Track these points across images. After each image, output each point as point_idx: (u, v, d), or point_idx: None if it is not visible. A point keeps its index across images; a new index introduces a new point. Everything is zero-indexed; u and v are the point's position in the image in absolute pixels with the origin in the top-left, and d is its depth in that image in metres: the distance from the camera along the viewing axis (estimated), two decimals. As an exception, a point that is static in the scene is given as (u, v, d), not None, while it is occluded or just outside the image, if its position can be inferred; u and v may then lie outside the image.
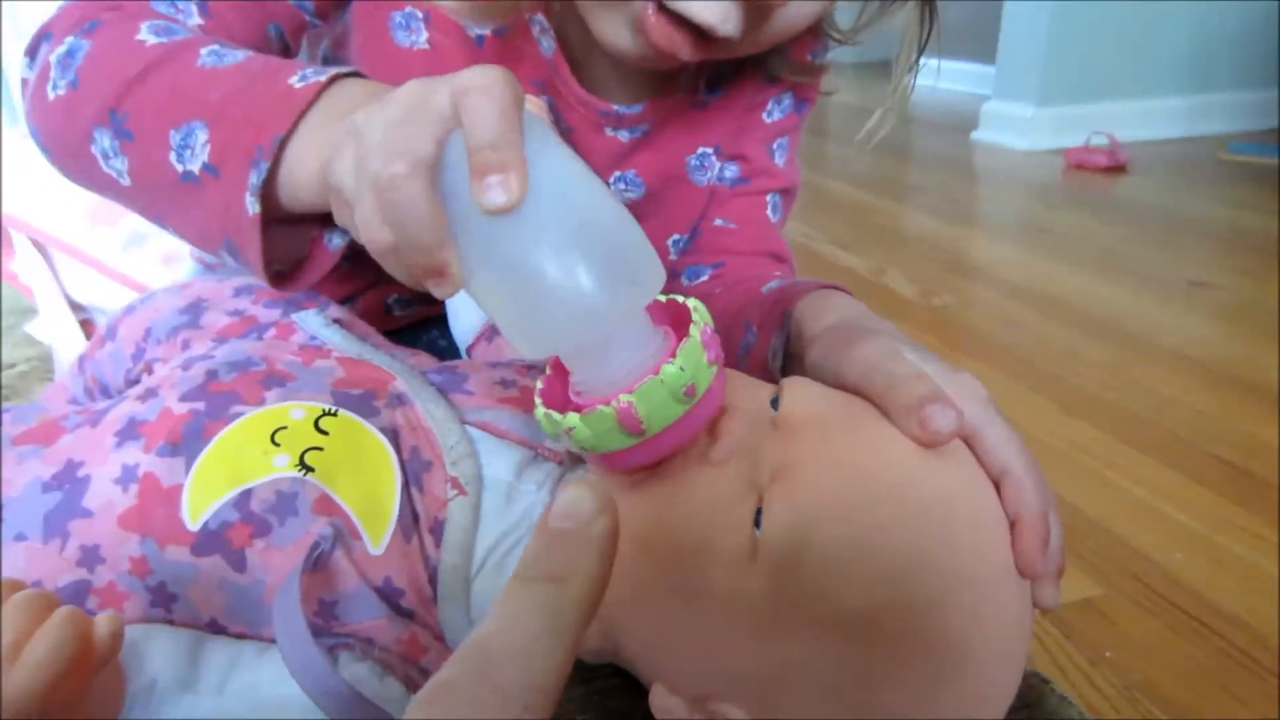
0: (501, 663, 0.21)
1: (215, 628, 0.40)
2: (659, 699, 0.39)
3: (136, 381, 0.52)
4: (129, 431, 0.43)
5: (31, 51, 0.52)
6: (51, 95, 0.49)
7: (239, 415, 0.43)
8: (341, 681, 0.36)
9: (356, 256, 0.68)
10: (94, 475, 0.41)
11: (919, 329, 1.84)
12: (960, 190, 2.97)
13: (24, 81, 0.52)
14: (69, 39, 0.49)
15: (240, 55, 0.47)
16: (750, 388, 0.43)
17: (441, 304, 0.68)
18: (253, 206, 0.43)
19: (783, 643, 0.36)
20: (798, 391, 0.41)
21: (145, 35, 0.48)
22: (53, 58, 0.49)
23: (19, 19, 0.84)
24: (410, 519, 0.42)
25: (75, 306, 0.79)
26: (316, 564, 0.39)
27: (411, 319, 0.68)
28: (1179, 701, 1.01)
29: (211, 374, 0.45)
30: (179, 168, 0.46)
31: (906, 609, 0.35)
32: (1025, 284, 2.17)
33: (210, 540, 0.40)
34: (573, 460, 0.47)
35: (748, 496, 0.37)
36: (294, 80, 0.44)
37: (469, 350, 0.60)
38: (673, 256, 0.74)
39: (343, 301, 0.63)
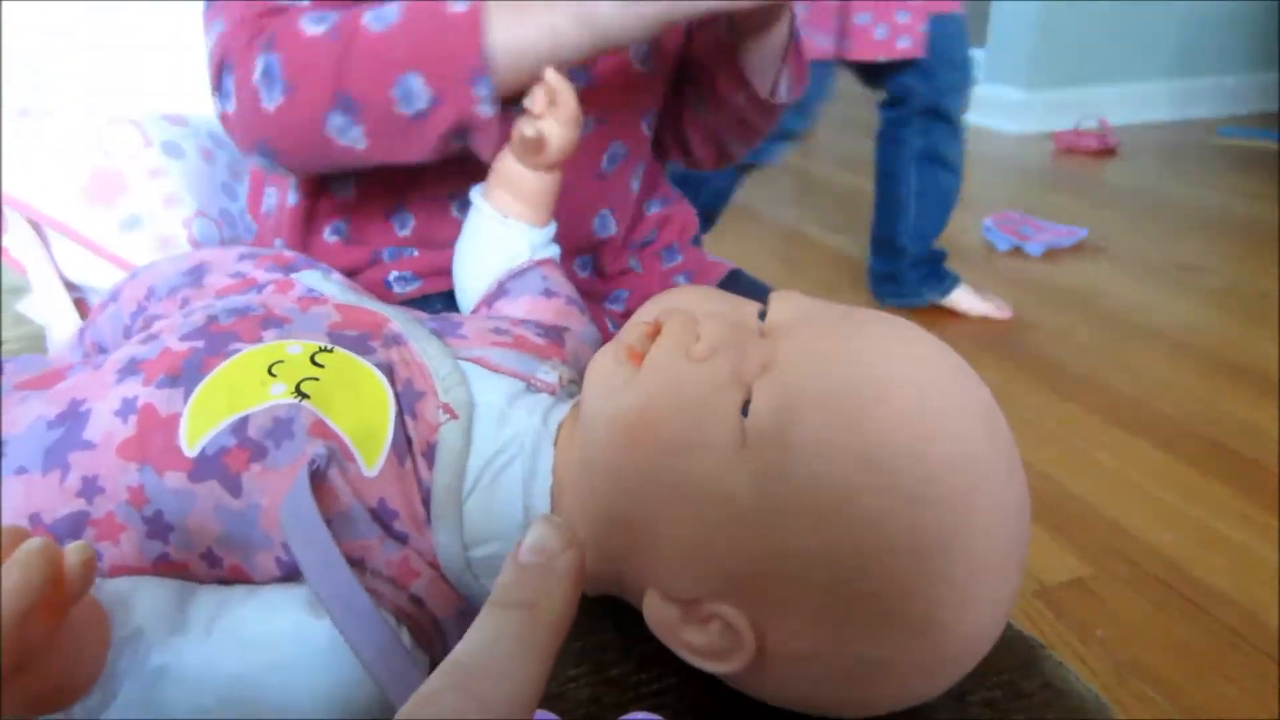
0: (480, 678, 0.23)
1: (210, 559, 0.41)
2: (653, 607, 0.39)
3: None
4: (129, 369, 0.44)
5: (218, 86, 0.60)
6: (270, 108, 0.57)
7: (237, 351, 0.44)
8: (362, 592, 0.37)
9: (356, 230, 0.71)
10: (94, 409, 0.42)
11: (910, 313, 1.85)
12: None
13: (224, 115, 0.61)
14: (257, 60, 0.57)
15: (391, 11, 0.56)
16: (733, 300, 0.45)
17: (439, 279, 0.68)
18: (488, 112, 0.55)
19: (773, 534, 0.36)
20: (784, 299, 0.43)
21: (311, 29, 0.57)
22: (254, 80, 0.57)
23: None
24: (404, 443, 0.43)
25: (69, 286, 0.79)
26: (311, 484, 0.40)
27: (411, 295, 0.69)
28: (1170, 680, 1.03)
29: (212, 318, 0.47)
30: (408, 112, 0.56)
31: (893, 493, 0.35)
32: (1015, 267, 2.18)
33: (207, 466, 0.40)
34: (564, 393, 0.48)
35: (733, 389, 0.38)
36: (456, 7, 0.55)
37: (472, 314, 0.61)
38: None
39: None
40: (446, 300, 0.68)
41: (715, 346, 0.40)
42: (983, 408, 0.39)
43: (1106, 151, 3.17)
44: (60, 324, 0.77)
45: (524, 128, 0.55)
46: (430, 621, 0.42)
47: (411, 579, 0.42)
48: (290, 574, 0.41)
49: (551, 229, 0.61)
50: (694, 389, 0.39)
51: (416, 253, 0.70)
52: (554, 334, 0.53)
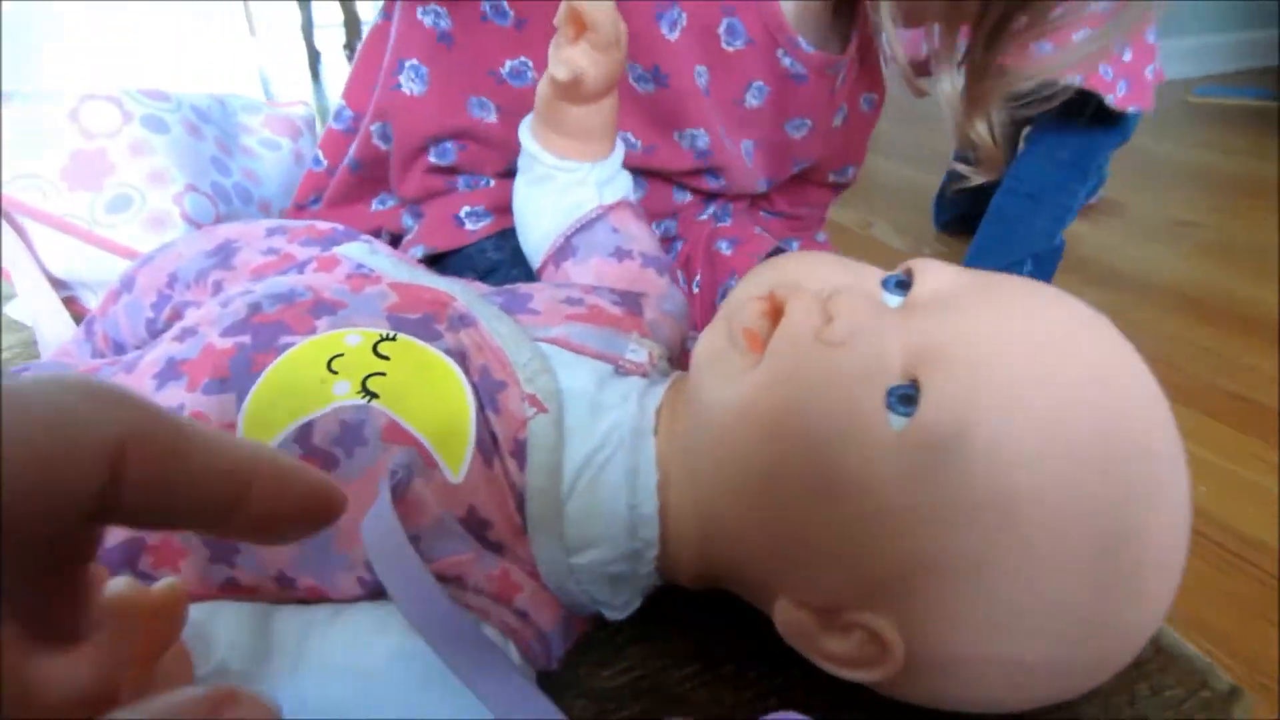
0: None
1: (283, 581, 0.36)
2: (785, 614, 0.36)
3: (162, 330, 0.48)
4: (169, 372, 0.38)
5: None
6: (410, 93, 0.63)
7: (289, 345, 0.39)
8: (462, 614, 0.32)
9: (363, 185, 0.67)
10: None
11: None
12: (939, 140, 2.94)
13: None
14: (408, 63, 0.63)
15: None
16: (855, 269, 0.40)
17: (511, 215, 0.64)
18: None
19: (929, 538, 0.32)
20: (930, 269, 0.38)
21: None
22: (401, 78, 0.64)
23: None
24: (489, 442, 0.38)
25: (55, 283, 0.72)
26: (393, 496, 0.35)
27: (483, 233, 0.65)
28: (1226, 633, 1.00)
29: (254, 307, 0.41)
30: (520, 86, 0.62)
31: (1077, 494, 0.31)
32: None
33: None
34: (656, 373, 0.43)
35: (879, 377, 0.33)
36: None
37: (539, 273, 0.56)
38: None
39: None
40: (516, 239, 0.62)
41: (853, 329, 0.34)
42: (1160, 399, 0.35)
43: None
44: (50, 325, 0.70)
45: (554, 70, 0.49)
46: (535, 634, 0.37)
47: (514, 593, 0.37)
48: (376, 592, 0.36)
49: (618, 156, 0.55)
50: (835, 379, 0.33)
51: (493, 183, 0.65)
52: (630, 302, 0.47)
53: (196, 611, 0.34)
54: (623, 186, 0.56)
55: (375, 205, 0.70)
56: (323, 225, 0.52)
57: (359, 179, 0.69)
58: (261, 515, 0.21)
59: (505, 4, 0.61)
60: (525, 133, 0.54)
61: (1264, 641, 0.99)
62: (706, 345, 0.38)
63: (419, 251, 0.65)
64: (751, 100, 0.68)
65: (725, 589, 0.41)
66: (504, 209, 0.64)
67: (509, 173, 0.65)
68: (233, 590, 0.36)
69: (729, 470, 0.35)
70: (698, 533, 0.39)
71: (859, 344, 0.34)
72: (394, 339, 0.40)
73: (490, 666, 0.32)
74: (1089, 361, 0.34)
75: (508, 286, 0.48)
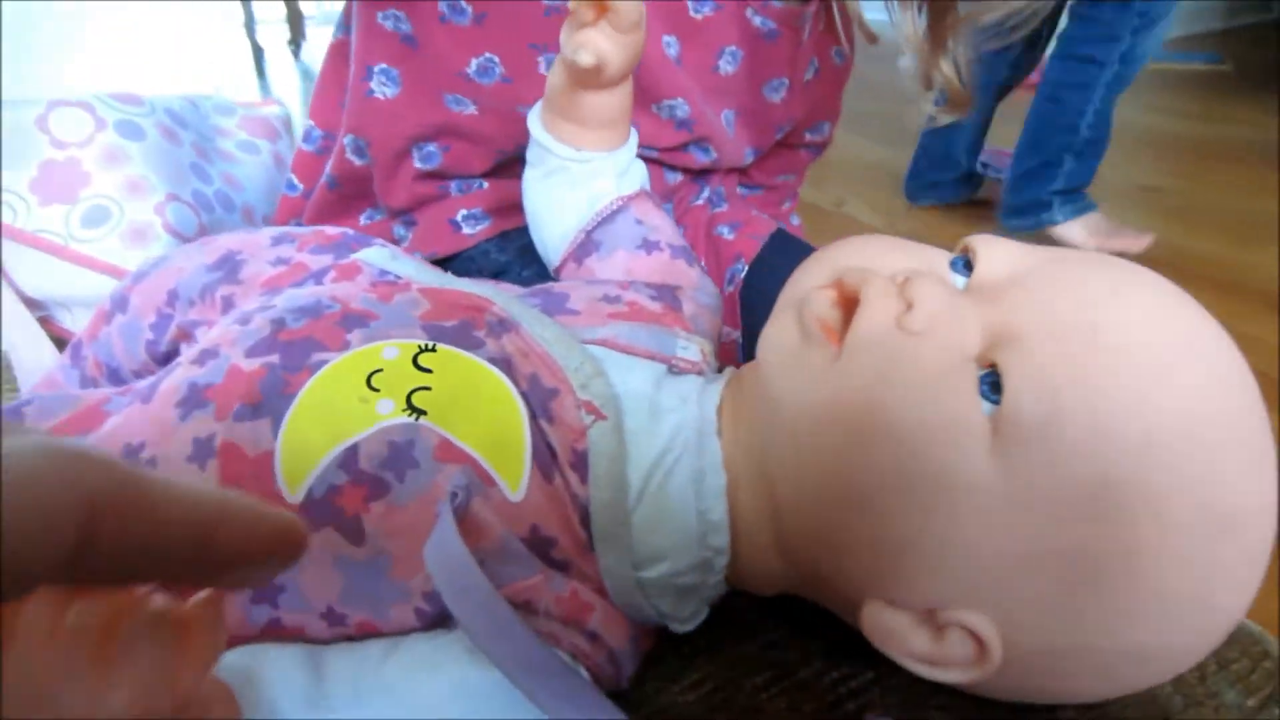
0: None
1: (331, 617, 0.33)
2: (875, 618, 0.34)
3: (168, 353, 0.45)
4: (193, 399, 0.35)
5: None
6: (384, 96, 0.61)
7: (323, 363, 0.36)
8: (540, 646, 0.30)
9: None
10: (160, 457, 0.34)
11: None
12: (909, 116, 2.95)
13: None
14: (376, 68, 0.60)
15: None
16: (919, 251, 0.38)
17: (510, 215, 0.61)
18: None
19: (1029, 531, 0.30)
20: (993, 246, 0.36)
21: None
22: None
23: None
24: (547, 455, 0.36)
25: (30, 303, 0.68)
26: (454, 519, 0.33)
27: (482, 236, 0.62)
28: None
29: (278, 323, 0.38)
30: (489, 83, 0.59)
31: (1173, 477, 0.30)
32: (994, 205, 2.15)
33: (318, 511, 0.33)
34: (711, 370, 0.41)
35: (966, 366, 0.32)
36: None
37: (557, 271, 0.53)
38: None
39: None
40: (520, 239, 0.60)
41: (934, 315, 0.33)
42: (1248, 377, 0.34)
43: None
44: (29, 350, 0.66)
45: (575, 54, 0.45)
46: (607, 655, 0.35)
47: (586, 615, 0.35)
48: (432, 623, 0.34)
49: (633, 143, 0.52)
50: (923, 370, 0.32)
51: (486, 185, 0.62)
52: (667, 296, 0.45)
53: (240, 656, 0.32)
54: (639, 175, 0.53)
55: (363, 220, 0.67)
56: (331, 230, 0.49)
57: (339, 196, 0.66)
58: (229, 559, 0.21)
59: (462, 1, 0.58)
60: (535, 124, 0.51)
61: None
62: (777, 340, 0.35)
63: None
64: (726, 67, 0.65)
65: (796, 593, 0.39)
66: (502, 210, 0.62)
67: (499, 172, 0.63)
68: (276, 632, 0.34)
69: (813, 472, 0.33)
70: (773, 537, 0.37)
71: (942, 331, 0.32)
72: (434, 350, 0.37)
73: (574, 696, 0.30)
74: (1173, 340, 0.32)
75: (540, 286, 0.45)
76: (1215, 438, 0.31)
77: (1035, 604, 0.31)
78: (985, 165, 2.29)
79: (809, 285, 0.36)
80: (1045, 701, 0.37)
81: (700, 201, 0.73)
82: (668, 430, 0.37)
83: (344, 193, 0.65)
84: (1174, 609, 0.32)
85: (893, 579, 0.33)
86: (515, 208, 0.61)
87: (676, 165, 0.69)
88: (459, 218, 0.62)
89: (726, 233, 0.71)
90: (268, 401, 0.35)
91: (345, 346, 0.37)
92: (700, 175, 0.73)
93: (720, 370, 0.42)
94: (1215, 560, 0.31)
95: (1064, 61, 1.74)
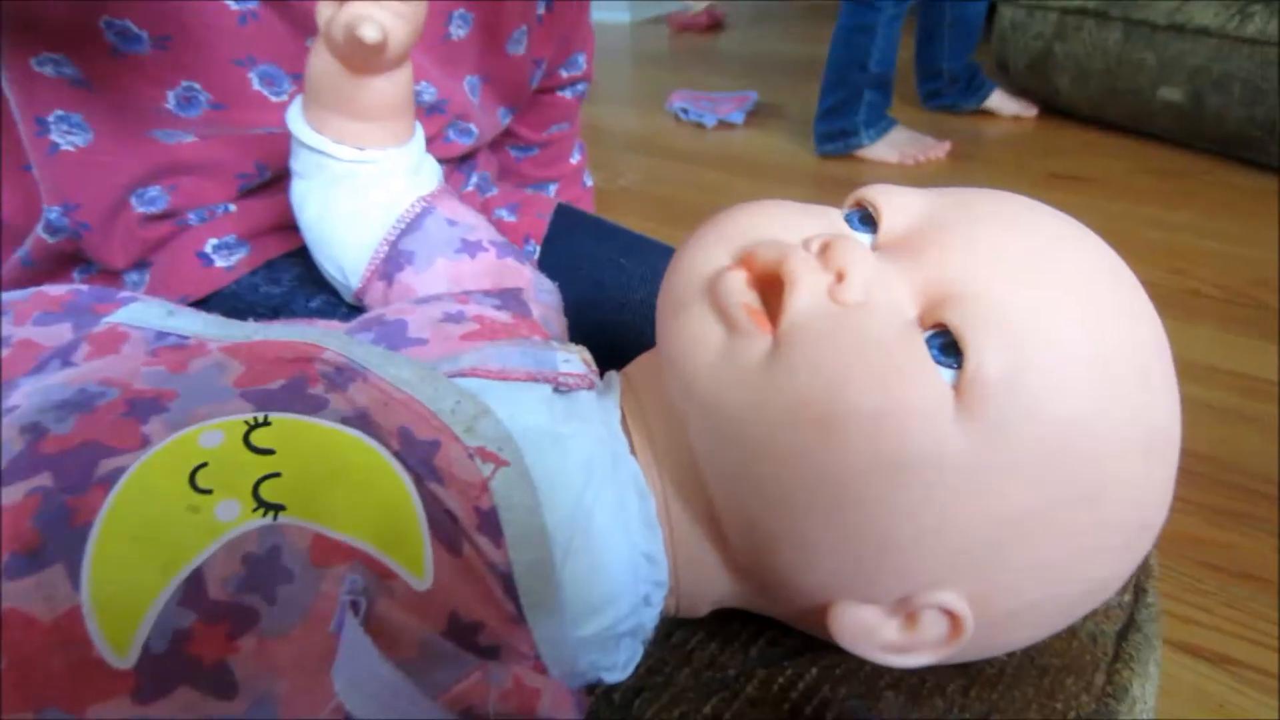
0: None
1: None
2: (845, 619, 0.31)
3: None
4: None
5: None
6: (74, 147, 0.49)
7: (119, 472, 0.28)
8: None
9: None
10: None
11: (626, 213, 1.80)
12: (664, 80, 2.96)
13: None
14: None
15: None
16: (815, 212, 0.34)
17: (273, 240, 0.52)
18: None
19: (1001, 496, 0.29)
20: (893, 199, 0.33)
21: None
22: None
23: None
24: (447, 523, 0.30)
25: None
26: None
27: (242, 270, 0.51)
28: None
29: (32, 430, 0.28)
30: (194, 115, 0.49)
31: (1125, 414, 0.30)
32: (694, 149, 2.21)
33: (164, 670, 0.25)
34: (604, 383, 0.37)
35: (911, 334, 0.29)
36: None
37: (360, 294, 0.45)
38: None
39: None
40: (294, 267, 0.50)
41: (868, 280, 0.29)
42: (1143, 292, 0.34)
43: (715, 26, 3.33)
44: None
45: (357, 30, 0.37)
46: None
47: (534, 702, 0.29)
48: None
49: (420, 134, 0.45)
50: (872, 345, 0.28)
51: (234, 207, 0.51)
52: (512, 301, 0.39)
53: None
54: (434, 170, 0.47)
55: (77, 276, 0.53)
56: (55, 290, 0.37)
57: (34, 272, 0.53)
58: None
59: (133, 26, 0.46)
60: (301, 125, 0.43)
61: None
62: (697, 338, 0.31)
63: None
64: (457, 31, 0.59)
65: (737, 607, 0.36)
66: (260, 235, 0.52)
67: (246, 194, 0.53)
68: None
69: (765, 477, 0.30)
70: (718, 556, 0.33)
71: (879, 298, 0.30)
72: (268, 423, 0.30)
73: None
74: (1093, 273, 0.32)
75: (367, 317, 0.38)
76: (1149, 358, 0.31)
77: (1007, 567, 0.30)
78: (685, 110, 2.37)
79: (711, 268, 0.32)
80: (998, 653, 0.37)
81: (469, 189, 0.67)
82: (577, 462, 0.32)
83: (41, 269, 0.52)
84: (1126, 537, 0.32)
85: (863, 577, 0.31)
86: (277, 230, 0.52)
87: (438, 157, 0.62)
88: (208, 249, 0.51)
89: (507, 215, 0.66)
90: (52, 543, 0.26)
91: (144, 444, 0.28)
92: (463, 162, 0.67)
93: (600, 376, 0.38)
94: (1154, 482, 0.32)
95: (849, 4, 1.93)
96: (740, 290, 0.30)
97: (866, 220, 0.34)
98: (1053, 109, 2.13)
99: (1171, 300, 1.36)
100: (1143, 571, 0.43)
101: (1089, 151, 1.93)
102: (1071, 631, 0.39)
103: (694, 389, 0.31)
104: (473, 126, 0.61)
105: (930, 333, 0.29)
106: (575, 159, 0.78)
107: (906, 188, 0.34)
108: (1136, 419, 0.30)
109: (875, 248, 0.33)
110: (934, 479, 0.28)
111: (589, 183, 0.81)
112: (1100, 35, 1.90)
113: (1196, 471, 1.01)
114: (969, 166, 1.92)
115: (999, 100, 2.23)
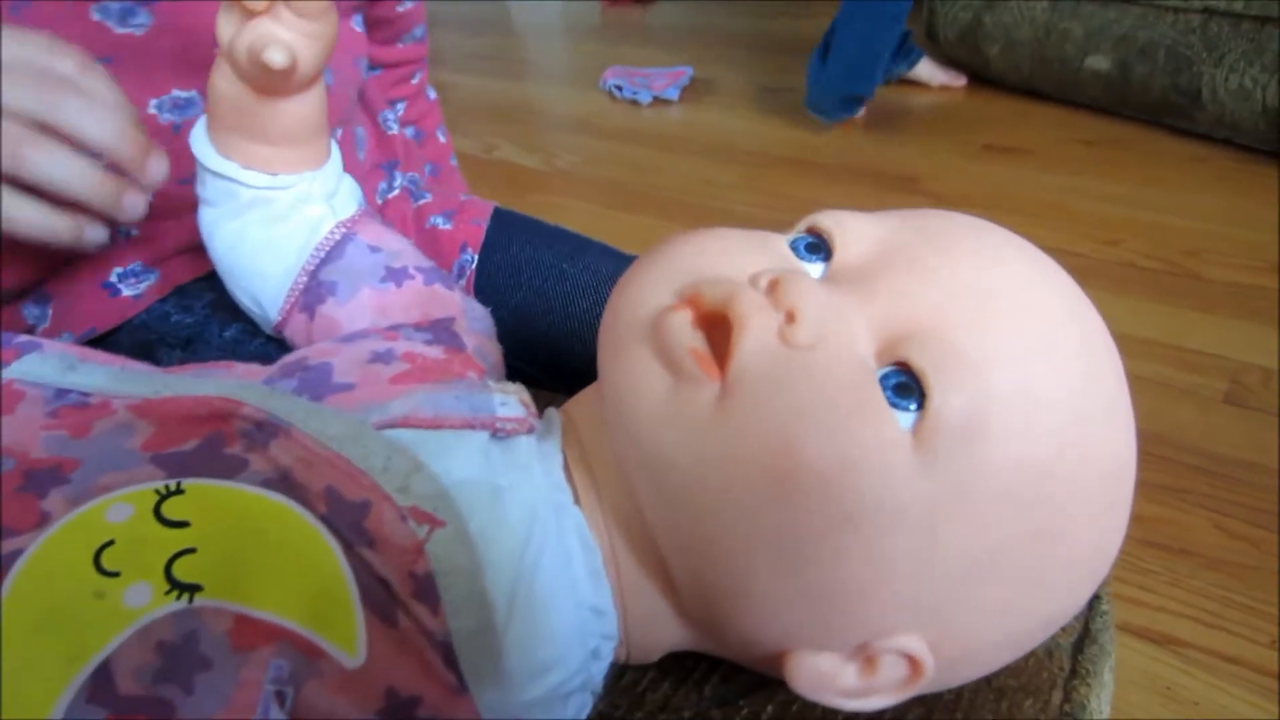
0: None
1: None
2: (803, 668, 0.30)
3: None
4: None
5: None
6: None
7: (17, 555, 0.26)
8: None
9: None
10: None
11: (565, 196, 1.78)
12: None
13: None
14: None
15: None
16: (760, 240, 0.33)
17: (182, 263, 0.49)
18: None
19: (956, 538, 0.28)
20: (847, 226, 0.32)
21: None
22: None
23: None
24: (381, 593, 0.28)
25: None
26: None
27: (151, 298, 0.48)
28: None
29: None
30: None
31: (1089, 451, 0.29)
32: (631, 128, 2.18)
33: None
34: (544, 425, 0.35)
35: (866, 376, 0.28)
36: None
37: (279, 327, 0.43)
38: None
39: None
40: (205, 293, 0.48)
41: (821, 321, 0.28)
42: (1101, 322, 0.33)
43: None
44: None
45: (263, 54, 0.35)
46: None
47: None
48: None
49: (337, 156, 0.43)
50: (825, 390, 0.27)
51: (135, 231, 0.48)
52: (444, 335, 0.37)
53: None
54: (353, 193, 0.44)
55: None
56: None
57: None
58: None
59: None
60: (206, 150, 0.40)
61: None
62: (640, 385, 0.29)
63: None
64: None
65: (692, 650, 0.35)
66: (168, 259, 0.49)
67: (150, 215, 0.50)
68: None
69: (716, 530, 0.28)
70: (668, 606, 0.32)
71: (832, 339, 0.28)
72: (180, 491, 0.28)
73: None
74: (1055, 307, 0.30)
75: (289, 360, 0.36)
76: (1110, 394, 0.30)
77: (966, 609, 0.29)
78: (620, 87, 2.33)
79: (654, 306, 0.30)
80: (958, 684, 0.36)
81: (395, 193, 0.65)
82: (518, 517, 0.30)
83: None
84: (1084, 570, 0.32)
85: (819, 626, 0.30)
86: (185, 253, 0.49)
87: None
88: (113, 278, 0.48)
89: (442, 223, 0.64)
90: None
91: (43, 521, 0.27)
92: (382, 161, 0.64)
93: (539, 415, 0.36)
94: (1114, 512, 0.31)
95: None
96: (685, 333, 0.28)
97: (815, 248, 0.32)
98: (983, 79, 2.14)
99: (1106, 272, 1.38)
100: (1097, 579, 0.43)
101: (1020, 122, 1.94)
102: (1027, 649, 0.39)
103: (637, 438, 0.29)
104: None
105: (887, 369, 0.28)
106: (417, 78, 0.73)
107: (861, 213, 0.33)
108: (1098, 456, 0.29)
109: (827, 277, 0.31)
110: (890, 527, 0.27)
111: (433, 95, 0.76)
112: (1028, 5, 1.91)
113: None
114: (901, 138, 1.93)
115: (927, 70, 2.22)
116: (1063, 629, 0.40)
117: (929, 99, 2.16)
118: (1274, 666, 0.80)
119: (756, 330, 0.27)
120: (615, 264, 0.60)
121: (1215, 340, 1.22)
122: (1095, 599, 0.42)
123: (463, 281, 0.61)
